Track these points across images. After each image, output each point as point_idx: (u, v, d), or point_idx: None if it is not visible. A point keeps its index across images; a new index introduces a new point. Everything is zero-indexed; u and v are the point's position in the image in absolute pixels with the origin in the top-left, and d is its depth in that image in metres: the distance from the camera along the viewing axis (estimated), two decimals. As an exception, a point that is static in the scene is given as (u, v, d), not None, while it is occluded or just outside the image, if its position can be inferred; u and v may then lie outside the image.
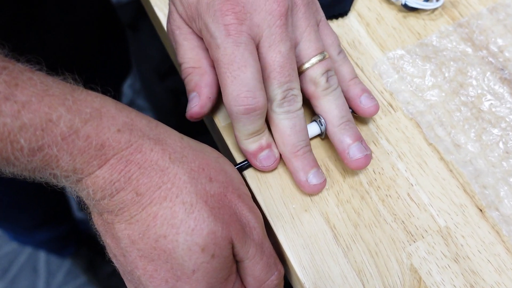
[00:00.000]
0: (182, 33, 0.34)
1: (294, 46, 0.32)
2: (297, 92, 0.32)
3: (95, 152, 0.25)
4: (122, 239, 0.27)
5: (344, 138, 0.33)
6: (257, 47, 0.31)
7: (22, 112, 0.24)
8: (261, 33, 0.31)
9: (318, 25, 0.34)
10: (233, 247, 0.29)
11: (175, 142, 0.29)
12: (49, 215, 0.89)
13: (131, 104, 1.39)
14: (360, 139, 0.33)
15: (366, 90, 0.35)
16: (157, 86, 1.17)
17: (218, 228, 0.27)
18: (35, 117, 0.24)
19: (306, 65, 0.32)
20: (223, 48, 0.29)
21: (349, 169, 0.34)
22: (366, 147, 0.33)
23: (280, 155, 0.34)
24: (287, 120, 0.32)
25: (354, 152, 0.32)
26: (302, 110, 0.33)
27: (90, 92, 0.27)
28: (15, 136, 0.24)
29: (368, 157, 0.33)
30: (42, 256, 1.24)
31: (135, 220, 0.27)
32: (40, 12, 0.50)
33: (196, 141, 0.31)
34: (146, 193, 0.27)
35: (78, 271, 1.21)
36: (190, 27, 0.34)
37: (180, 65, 0.35)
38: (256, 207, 0.31)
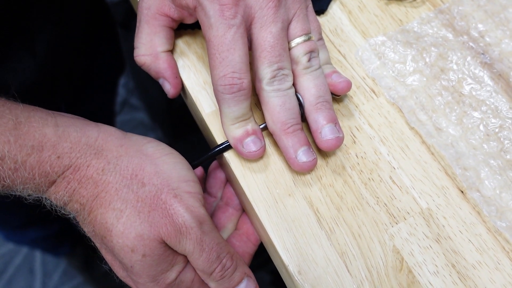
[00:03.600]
0: (148, 14, 0.36)
1: (287, 28, 0.33)
2: (288, 72, 0.33)
3: (40, 179, 0.30)
4: (87, 233, 0.33)
5: (318, 118, 0.33)
6: (249, 28, 0.32)
7: None
8: (253, 14, 0.32)
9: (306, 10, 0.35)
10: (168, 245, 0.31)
11: (111, 153, 0.32)
12: (37, 214, 0.88)
13: (125, 103, 1.39)
14: (334, 121, 0.33)
15: (336, 71, 0.35)
16: (150, 85, 1.17)
17: (145, 231, 0.30)
18: None
19: (291, 44, 0.33)
20: (215, 29, 0.31)
21: (329, 152, 0.35)
22: (339, 130, 0.33)
23: (270, 145, 0.34)
24: (277, 98, 0.32)
25: (326, 133, 0.33)
26: (293, 90, 0.33)
27: (32, 123, 0.30)
28: None
29: (339, 139, 0.33)
30: (38, 256, 1.24)
31: (87, 223, 0.32)
32: (27, 16, 0.50)
33: (141, 140, 0.33)
34: (86, 203, 0.31)
35: (74, 271, 1.21)
36: (162, 9, 0.35)
37: (134, 48, 0.37)
38: (197, 205, 0.32)
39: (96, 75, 0.75)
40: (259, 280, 0.35)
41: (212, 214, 0.39)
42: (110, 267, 0.34)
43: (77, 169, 0.31)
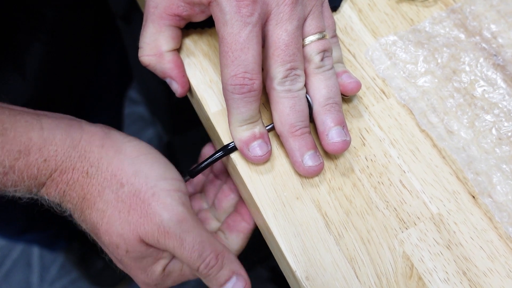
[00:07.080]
0: (155, 13, 0.34)
1: (302, 26, 0.32)
2: (300, 72, 0.32)
3: (30, 181, 0.31)
4: (85, 229, 0.35)
5: (326, 120, 0.32)
6: (264, 25, 0.31)
7: None
8: (269, 11, 0.31)
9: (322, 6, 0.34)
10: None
11: (93, 155, 0.33)
12: (35, 221, 0.86)
13: (124, 97, 1.37)
14: (342, 124, 0.32)
15: (347, 71, 0.35)
16: (150, 79, 1.16)
17: (125, 230, 0.32)
18: None
19: (305, 42, 0.32)
20: (230, 26, 0.29)
21: (338, 155, 0.34)
22: (347, 133, 0.32)
23: (278, 147, 0.34)
24: (287, 99, 0.31)
25: (333, 135, 0.32)
26: (304, 91, 0.32)
27: (18, 128, 0.31)
28: None
29: (346, 143, 0.32)
30: (35, 250, 1.23)
31: (81, 221, 0.34)
32: (14, 36, 0.48)
33: (122, 139, 0.34)
34: (76, 204, 0.33)
35: (72, 266, 1.21)
36: (170, 9, 0.34)
37: (139, 48, 0.36)
38: (175, 203, 0.33)
39: (100, 90, 0.73)
40: (257, 276, 0.35)
41: (215, 195, 0.40)
42: (110, 259, 0.36)
43: (63, 171, 0.32)
